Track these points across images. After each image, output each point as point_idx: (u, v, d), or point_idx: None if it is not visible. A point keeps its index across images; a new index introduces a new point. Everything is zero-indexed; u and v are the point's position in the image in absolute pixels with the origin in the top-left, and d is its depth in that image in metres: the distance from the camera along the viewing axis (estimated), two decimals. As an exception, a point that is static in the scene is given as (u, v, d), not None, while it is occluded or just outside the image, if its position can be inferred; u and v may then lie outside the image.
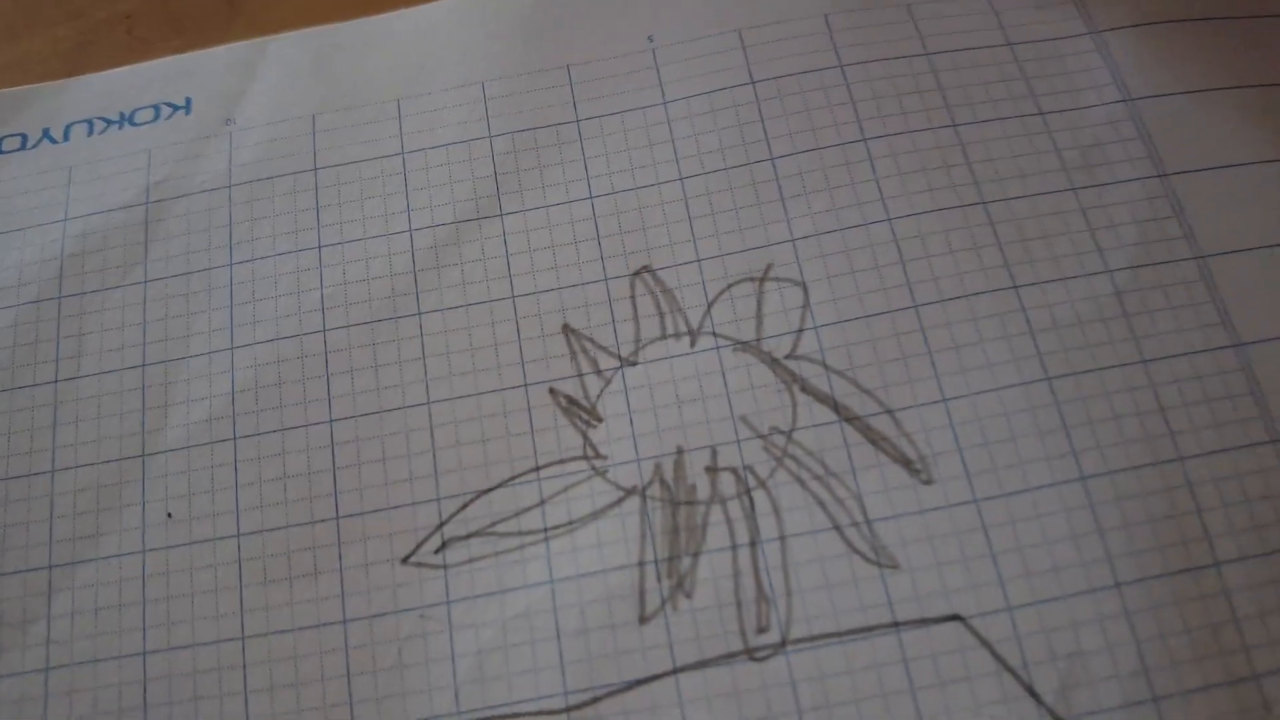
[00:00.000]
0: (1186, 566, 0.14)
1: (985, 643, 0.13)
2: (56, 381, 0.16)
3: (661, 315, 0.15)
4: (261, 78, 0.18)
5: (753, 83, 0.17)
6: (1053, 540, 0.14)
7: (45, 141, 0.18)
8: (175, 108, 0.18)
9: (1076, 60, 0.17)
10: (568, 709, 0.13)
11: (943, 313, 0.15)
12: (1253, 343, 0.15)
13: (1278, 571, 0.13)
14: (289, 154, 0.17)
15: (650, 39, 0.17)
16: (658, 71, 0.17)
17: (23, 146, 0.18)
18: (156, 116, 0.18)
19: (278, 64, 0.18)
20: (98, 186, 0.17)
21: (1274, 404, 0.14)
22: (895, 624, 0.13)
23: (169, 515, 0.15)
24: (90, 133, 0.18)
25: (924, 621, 0.13)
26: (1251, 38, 0.17)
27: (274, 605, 0.14)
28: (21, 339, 0.16)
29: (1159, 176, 0.16)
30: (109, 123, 0.18)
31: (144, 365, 0.16)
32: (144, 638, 0.14)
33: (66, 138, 0.18)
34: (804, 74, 0.17)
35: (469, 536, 0.14)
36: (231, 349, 0.16)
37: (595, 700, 0.13)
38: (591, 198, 0.16)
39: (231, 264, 0.16)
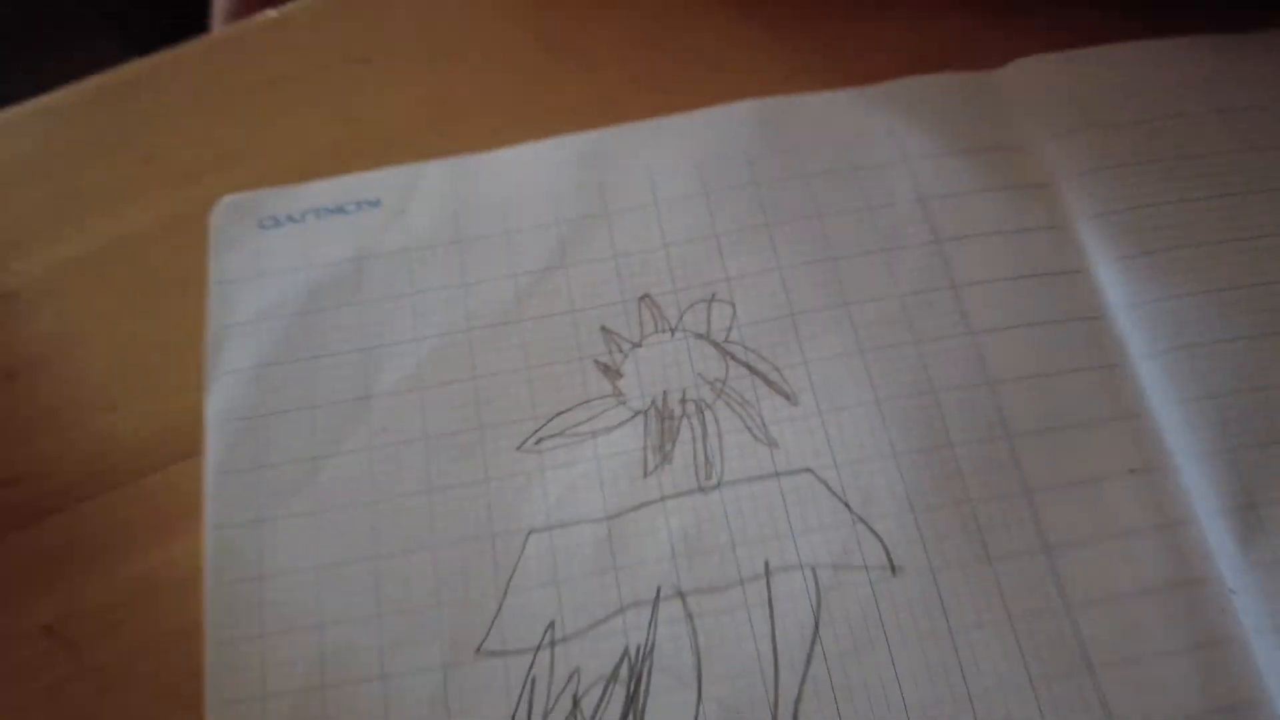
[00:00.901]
0: (934, 445, 0.25)
1: (824, 482, 0.25)
2: (314, 358, 0.28)
3: (655, 321, 0.27)
4: (422, 186, 0.30)
5: (706, 194, 0.29)
6: (861, 431, 0.25)
7: (290, 223, 0.30)
8: (370, 204, 0.30)
9: (891, 175, 0.29)
10: (606, 519, 0.25)
11: (808, 318, 0.27)
12: (981, 332, 0.27)
13: (989, 451, 0.25)
14: (442, 233, 0.29)
15: (648, 169, 0.30)
16: (653, 188, 0.29)
17: (276, 225, 0.30)
18: (359, 208, 0.30)
19: (432, 179, 0.30)
20: (324, 250, 0.29)
21: (989, 361, 0.26)
22: (776, 474, 0.25)
23: (383, 429, 0.26)
24: (318, 218, 0.30)
25: (791, 472, 0.25)
26: (1004, 158, 0.29)
27: (445, 473, 0.26)
28: (286, 338, 0.28)
29: (934, 242, 0.28)
30: (329, 211, 0.30)
31: (362, 349, 0.28)
32: (373, 494, 0.26)
33: (303, 220, 0.30)
34: (735, 189, 0.29)
35: (553, 435, 0.26)
36: (415, 340, 0.28)
37: (620, 514, 0.25)
38: (615, 257, 0.28)
39: (412, 294, 0.28)
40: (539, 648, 0.23)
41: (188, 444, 0.27)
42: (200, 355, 0.28)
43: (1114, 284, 0.27)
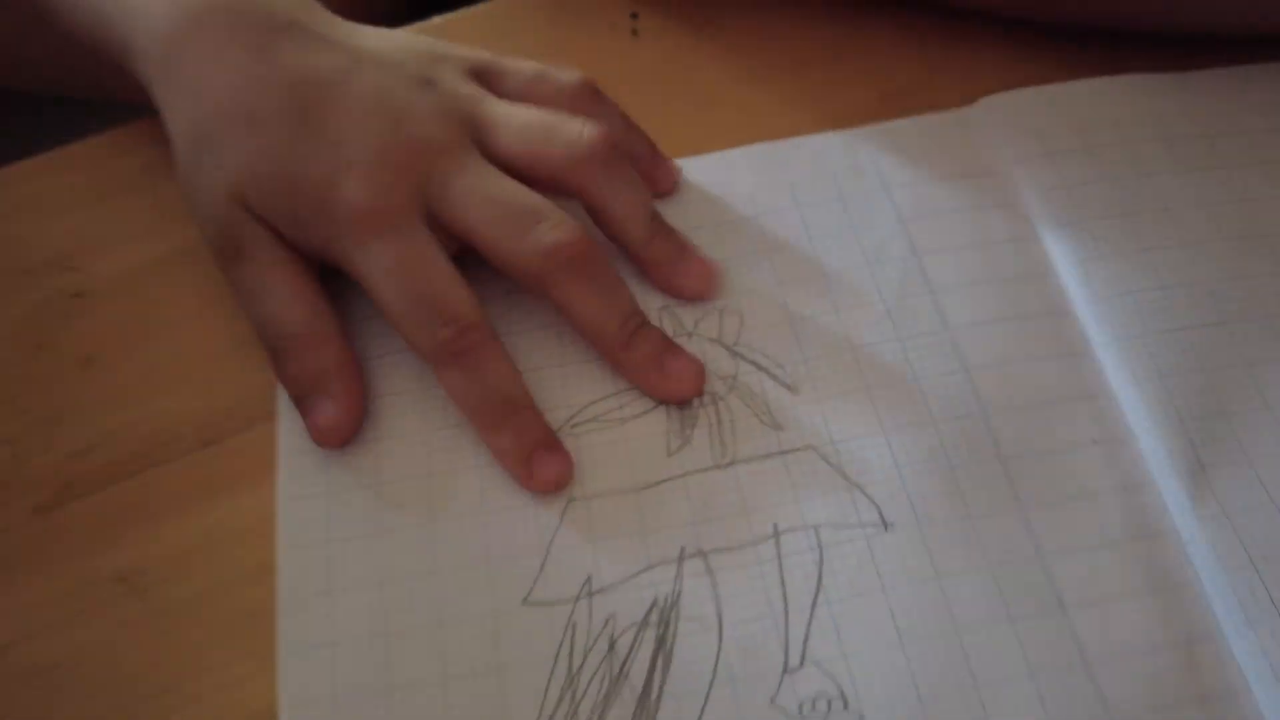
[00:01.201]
0: (918, 422, 0.29)
1: (823, 456, 0.28)
2: (376, 357, 0.32)
3: (673, 327, 0.31)
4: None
5: (715, 226, 0.33)
6: (854, 413, 0.29)
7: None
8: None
9: (875, 202, 0.33)
10: (635, 490, 0.28)
11: (802, 322, 0.31)
12: (957, 327, 0.31)
13: (966, 426, 0.29)
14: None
15: (666, 203, 0.34)
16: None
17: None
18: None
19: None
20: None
21: (965, 352, 0.30)
22: (782, 452, 0.29)
23: (439, 414, 0.30)
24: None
25: (796, 450, 0.29)
26: (975, 181, 0.34)
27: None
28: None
29: (913, 255, 0.32)
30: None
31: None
32: (429, 469, 0.29)
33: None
34: (741, 220, 0.33)
35: (585, 421, 0.30)
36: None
37: (647, 487, 0.28)
38: (640, 274, 0.33)
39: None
40: (578, 598, 0.27)
41: (239, 422, 0.30)
42: (252, 350, 0.31)
43: (1075, 284, 0.31)
